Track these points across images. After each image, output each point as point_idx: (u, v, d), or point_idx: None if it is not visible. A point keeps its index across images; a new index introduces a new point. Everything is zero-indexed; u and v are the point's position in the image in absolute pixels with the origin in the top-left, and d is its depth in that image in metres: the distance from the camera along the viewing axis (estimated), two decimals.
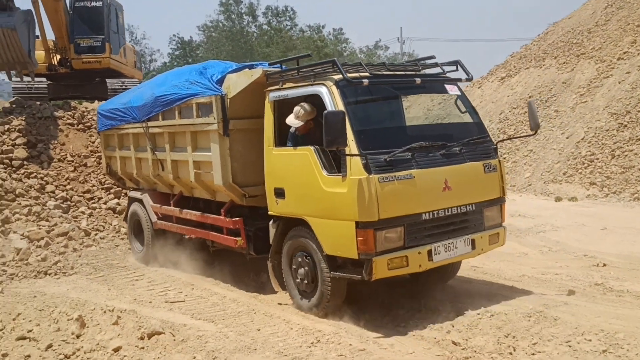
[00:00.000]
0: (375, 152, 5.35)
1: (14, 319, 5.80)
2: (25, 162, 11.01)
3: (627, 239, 8.96)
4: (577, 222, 10.26)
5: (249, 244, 6.74)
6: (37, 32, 13.29)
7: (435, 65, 6.60)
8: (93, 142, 11.98)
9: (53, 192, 10.73)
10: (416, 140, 5.70)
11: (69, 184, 11.07)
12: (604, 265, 7.59)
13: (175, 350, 4.98)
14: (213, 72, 7.01)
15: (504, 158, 15.60)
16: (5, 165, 10.75)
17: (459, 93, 6.48)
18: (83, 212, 10.50)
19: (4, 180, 10.34)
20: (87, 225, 10.14)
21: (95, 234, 9.99)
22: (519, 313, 5.59)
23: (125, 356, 4.90)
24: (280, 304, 6.42)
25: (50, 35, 14.67)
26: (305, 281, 5.98)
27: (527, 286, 6.79)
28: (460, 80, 6.50)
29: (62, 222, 9.92)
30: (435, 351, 5.02)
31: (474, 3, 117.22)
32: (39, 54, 13.70)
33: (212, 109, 6.67)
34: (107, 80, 15.17)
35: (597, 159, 13.35)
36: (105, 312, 5.86)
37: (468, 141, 6.05)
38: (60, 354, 5.00)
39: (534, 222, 10.48)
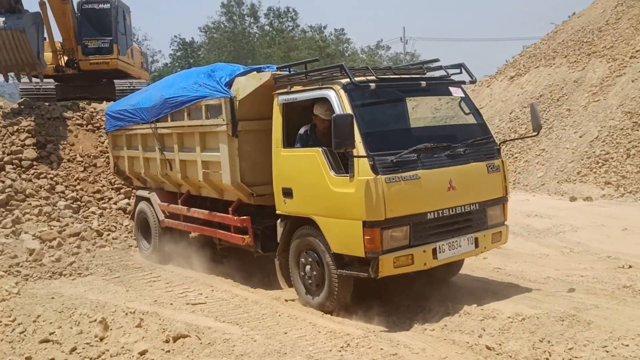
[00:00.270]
0: (382, 154, 5.50)
1: (34, 321, 5.72)
2: (34, 163, 10.92)
3: None
4: (596, 223, 10.12)
5: (256, 242, 6.90)
6: (45, 34, 13.18)
7: (440, 68, 6.73)
8: (102, 143, 11.87)
9: (63, 192, 10.64)
10: (422, 142, 5.83)
11: (78, 184, 10.97)
12: (630, 267, 7.46)
13: (203, 354, 4.86)
14: (221, 75, 7.18)
15: (516, 157, 15.49)
16: (15, 166, 10.67)
17: (462, 95, 6.61)
18: (94, 213, 10.41)
19: (13, 180, 10.26)
20: (99, 225, 10.04)
21: (108, 234, 9.90)
22: (551, 317, 5.48)
23: None
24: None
25: (58, 37, 14.61)
26: (312, 278, 6.11)
27: (554, 288, 6.65)
28: (464, 82, 6.66)
29: (73, 223, 9.82)
30: (468, 356, 4.89)
31: (474, 3, 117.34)
32: (47, 56, 13.59)
33: (222, 110, 6.82)
34: (115, 81, 15.07)
35: (612, 158, 13.21)
36: (127, 314, 5.77)
37: (472, 142, 6.19)
38: (85, 357, 4.91)
39: (552, 223, 10.35)
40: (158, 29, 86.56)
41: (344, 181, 5.56)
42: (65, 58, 14.79)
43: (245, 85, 6.74)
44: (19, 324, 5.61)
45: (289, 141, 6.28)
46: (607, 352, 4.76)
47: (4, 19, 11.30)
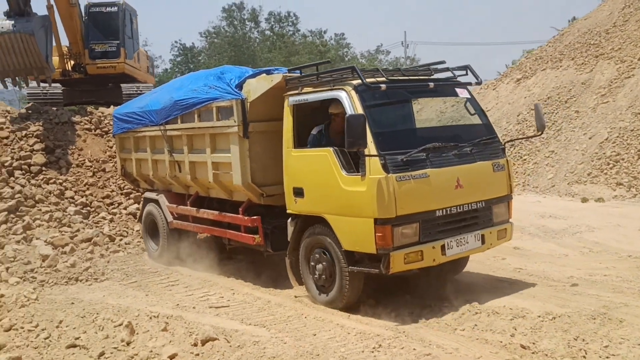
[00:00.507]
0: (392, 153, 5.62)
1: (57, 327, 5.62)
2: (43, 168, 10.84)
3: None
4: (612, 223, 10.07)
5: (267, 241, 6.98)
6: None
7: (446, 69, 6.85)
8: (111, 147, 11.80)
9: (72, 197, 10.56)
10: (430, 141, 5.95)
11: (88, 189, 10.89)
12: None
13: (234, 357, 4.77)
14: (231, 77, 7.22)
15: (524, 160, 15.43)
16: (24, 171, 10.58)
17: (468, 96, 6.73)
18: (104, 218, 10.33)
19: (23, 186, 10.18)
20: (110, 231, 9.96)
21: (120, 240, 9.82)
22: (582, 315, 5.44)
23: None
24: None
25: (64, 41, 14.52)
26: (323, 276, 6.21)
27: (579, 288, 6.59)
28: (470, 84, 6.79)
29: (84, 228, 9.74)
30: (503, 355, 4.81)
31: (475, 5, 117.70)
32: (53, 60, 13.50)
33: (233, 112, 6.85)
34: (122, 85, 14.98)
35: (623, 159, 13.17)
36: (151, 318, 5.69)
37: (478, 142, 6.33)
38: None
39: (567, 223, 10.29)
40: (159, 35, 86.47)
41: (355, 180, 5.66)
42: (72, 62, 14.73)
43: (257, 87, 6.81)
44: (42, 330, 5.51)
45: (300, 142, 6.37)
46: None
47: (13, 22, 11.24)
